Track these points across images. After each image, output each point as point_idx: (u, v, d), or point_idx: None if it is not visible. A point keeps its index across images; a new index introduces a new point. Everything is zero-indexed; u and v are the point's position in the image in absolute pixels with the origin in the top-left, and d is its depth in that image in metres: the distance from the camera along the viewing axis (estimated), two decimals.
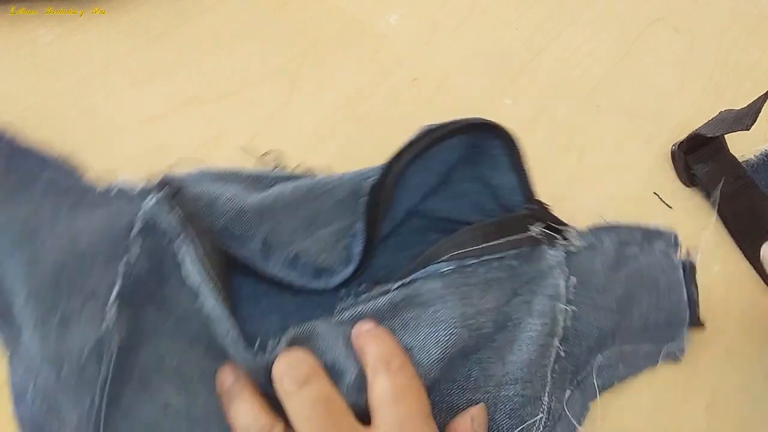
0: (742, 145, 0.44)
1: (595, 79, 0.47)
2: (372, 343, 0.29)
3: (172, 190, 0.31)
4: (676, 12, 0.51)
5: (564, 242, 0.35)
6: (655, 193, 0.43)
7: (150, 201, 0.32)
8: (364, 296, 0.32)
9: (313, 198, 0.34)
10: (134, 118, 0.42)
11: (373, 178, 0.34)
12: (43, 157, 0.35)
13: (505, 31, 0.49)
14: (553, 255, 0.34)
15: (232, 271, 0.33)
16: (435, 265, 0.32)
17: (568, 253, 0.34)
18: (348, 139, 0.42)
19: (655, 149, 0.45)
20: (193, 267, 0.30)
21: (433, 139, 0.33)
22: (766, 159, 0.44)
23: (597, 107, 0.46)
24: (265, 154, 0.39)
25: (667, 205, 0.42)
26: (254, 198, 0.34)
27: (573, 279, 0.33)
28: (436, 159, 0.35)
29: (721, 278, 0.37)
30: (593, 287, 0.34)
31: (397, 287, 0.32)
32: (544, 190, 0.42)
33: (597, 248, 0.36)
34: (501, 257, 0.32)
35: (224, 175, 0.36)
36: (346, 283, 0.34)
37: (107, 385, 0.28)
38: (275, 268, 0.33)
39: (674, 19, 0.51)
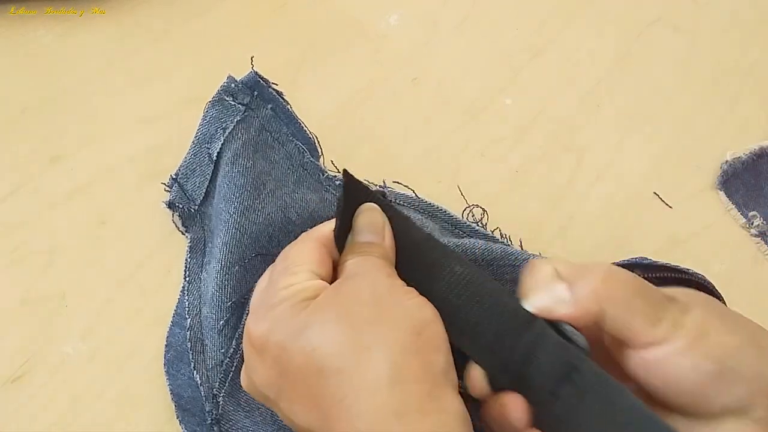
0: (733, 143, 0.44)
1: (595, 79, 0.47)
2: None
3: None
4: (676, 12, 0.51)
5: None
6: (655, 193, 0.43)
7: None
8: None
9: (497, 268, 0.35)
10: (134, 118, 0.42)
11: None
12: (298, 128, 0.40)
13: (505, 31, 0.49)
14: None
15: None
16: None
17: None
18: (348, 139, 0.42)
19: (655, 149, 0.44)
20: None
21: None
22: (755, 158, 0.44)
23: (597, 107, 0.46)
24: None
25: (667, 205, 0.42)
26: (445, 241, 0.35)
27: None
28: None
29: (721, 277, 0.37)
30: None
31: None
32: (544, 190, 0.42)
33: None
34: None
35: (429, 209, 0.39)
36: None
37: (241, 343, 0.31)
38: None
39: (674, 19, 0.51)
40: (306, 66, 0.45)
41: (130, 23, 0.46)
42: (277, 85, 0.40)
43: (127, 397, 0.33)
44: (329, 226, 0.28)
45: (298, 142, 0.39)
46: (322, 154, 0.40)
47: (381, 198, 0.28)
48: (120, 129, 0.41)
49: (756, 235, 0.42)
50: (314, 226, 0.35)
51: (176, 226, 0.38)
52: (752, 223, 0.42)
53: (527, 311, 0.26)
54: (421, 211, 0.39)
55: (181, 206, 0.37)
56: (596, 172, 0.43)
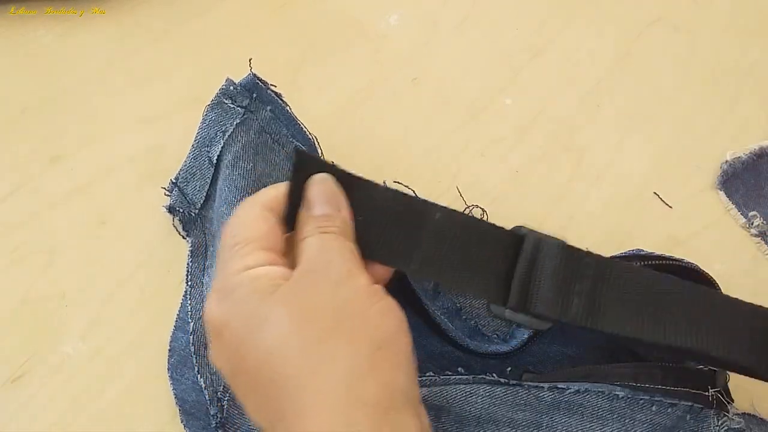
0: (733, 143, 0.44)
1: (595, 79, 0.47)
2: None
3: (339, 170, 0.34)
4: (676, 12, 0.51)
5: (727, 417, 0.33)
6: (655, 193, 0.43)
7: None
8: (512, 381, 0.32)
9: None
10: (134, 118, 0.42)
11: None
12: (298, 130, 0.39)
13: (505, 31, 0.49)
14: (717, 426, 0.32)
15: (400, 294, 0.34)
16: (608, 386, 0.31)
17: (728, 430, 0.33)
18: (348, 139, 0.42)
19: (655, 149, 0.44)
20: None
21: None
22: (755, 158, 0.44)
23: (597, 107, 0.46)
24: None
25: (667, 204, 0.42)
26: None
27: None
28: None
29: (721, 277, 0.37)
30: None
31: (552, 388, 0.31)
32: (544, 190, 0.42)
33: None
34: (674, 404, 0.31)
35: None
36: (494, 355, 0.34)
37: None
38: (437, 310, 0.34)
39: (674, 19, 0.51)
40: (306, 66, 0.45)
41: (130, 23, 0.46)
42: (275, 86, 0.40)
43: (127, 397, 0.33)
44: (275, 189, 0.26)
45: (298, 144, 0.39)
46: (322, 154, 0.40)
47: (335, 167, 0.27)
48: (120, 129, 0.41)
49: (756, 235, 0.42)
50: None
51: (177, 230, 0.38)
52: (752, 223, 0.42)
53: (513, 232, 0.27)
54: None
55: (181, 210, 0.37)
56: (596, 172, 0.43)
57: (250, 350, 0.22)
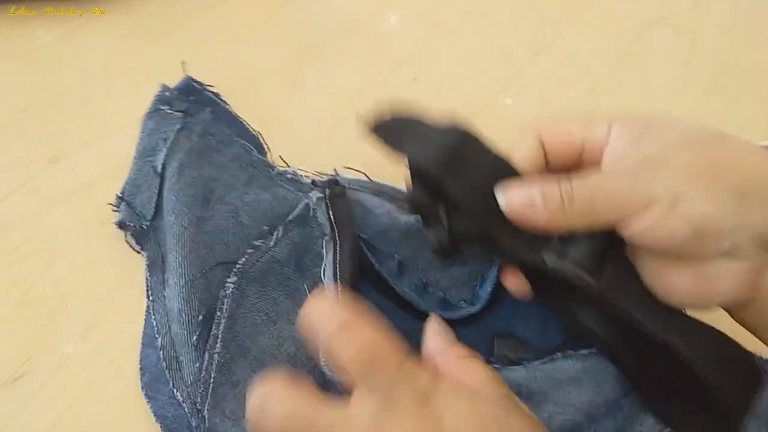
0: None
1: (595, 79, 0.47)
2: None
3: (338, 189, 0.34)
4: (676, 12, 0.51)
5: None
6: None
7: (315, 194, 0.35)
8: (492, 358, 0.32)
9: None
10: (134, 118, 0.42)
11: None
12: (242, 128, 0.39)
13: (505, 31, 0.49)
14: None
15: (364, 278, 0.34)
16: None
17: None
18: (348, 139, 0.42)
19: None
20: (327, 269, 0.32)
21: None
22: None
23: (597, 107, 0.46)
24: None
25: None
26: (403, 220, 0.35)
27: None
28: None
29: None
30: None
31: (532, 362, 0.31)
32: None
33: None
34: None
35: (384, 190, 0.38)
36: (465, 322, 0.34)
37: (216, 353, 0.31)
38: (405, 288, 0.34)
39: (674, 19, 0.51)
40: (306, 66, 0.45)
41: (130, 23, 0.46)
42: (212, 86, 0.39)
43: (127, 397, 0.33)
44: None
45: (243, 142, 0.38)
46: (268, 150, 0.39)
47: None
48: (120, 129, 0.41)
49: None
50: (268, 224, 0.35)
51: (130, 246, 0.37)
52: None
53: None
54: (377, 193, 0.38)
55: (132, 224, 0.36)
56: None
57: None
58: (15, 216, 0.38)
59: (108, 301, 0.36)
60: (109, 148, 0.41)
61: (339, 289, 0.32)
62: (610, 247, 0.26)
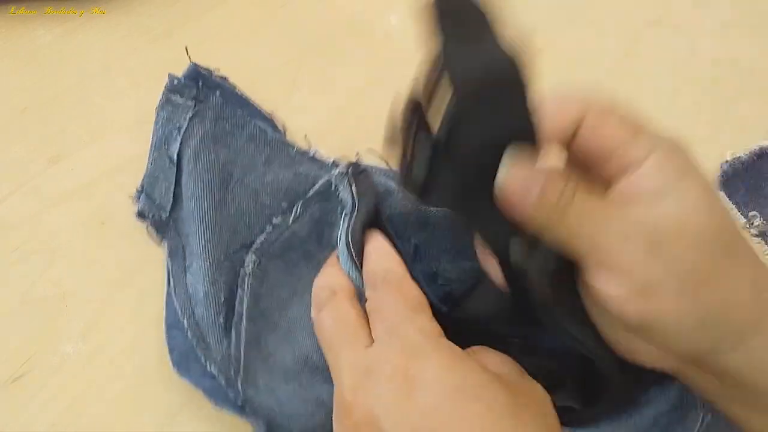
0: (733, 143, 0.44)
1: (595, 79, 0.47)
2: (366, 259, 0.31)
3: (359, 168, 0.35)
4: (676, 12, 0.51)
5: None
6: None
7: (337, 170, 0.36)
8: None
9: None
10: (134, 118, 0.42)
11: None
12: (254, 109, 0.39)
13: (505, 30, 0.49)
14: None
15: None
16: None
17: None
18: (348, 139, 0.42)
19: None
20: (341, 244, 0.32)
21: None
22: (755, 158, 0.44)
23: None
24: None
25: None
26: (422, 207, 0.35)
27: None
28: None
29: None
30: None
31: None
32: None
33: None
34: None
35: None
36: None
37: (243, 329, 0.32)
38: (418, 275, 0.34)
39: (674, 19, 0.51)
40: (306, 66, 0.45)
41: (130, 23, 0.46)
42: (219, 70, 0.39)
43: (127, 397, 0.33)
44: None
45: (257, 121, 0.38)
46: (284, 129, 0.40)
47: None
48: (120, 129, 0.41)
49: (756, 235, 0.42)
50: (288, 202, 0.36)
51: (150, 236, 0.37)
52: (752, 223, 0.42)
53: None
54: (394, 178, 0.38)
55: (152, 215, 0.37)
56: None
57: None
58: (15, 216, 0.38)
59: (108, 301, 0.36)
60: (109, 148, 0.41)
61: (351, 251, 0.32)
62: (568, 268, 0.26)
